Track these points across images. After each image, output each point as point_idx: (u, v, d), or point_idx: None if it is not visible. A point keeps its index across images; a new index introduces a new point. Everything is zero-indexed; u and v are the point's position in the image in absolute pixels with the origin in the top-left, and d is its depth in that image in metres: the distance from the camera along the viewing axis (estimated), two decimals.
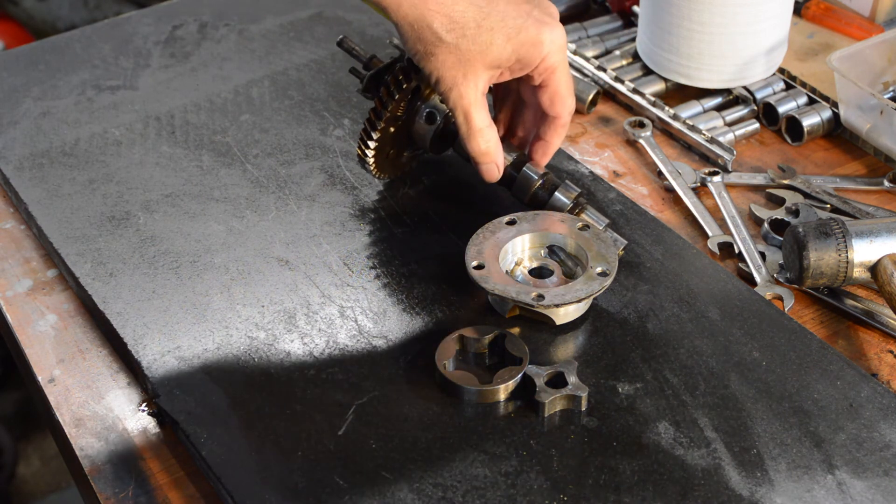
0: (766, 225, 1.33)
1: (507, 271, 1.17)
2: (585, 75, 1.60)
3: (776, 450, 1.03)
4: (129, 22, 1.71)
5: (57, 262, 1.29)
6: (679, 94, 1.58)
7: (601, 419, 1.06)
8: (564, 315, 1.15)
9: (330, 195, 1.35)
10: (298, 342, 1.15)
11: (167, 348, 1.14)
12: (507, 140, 1.28)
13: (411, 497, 0.99)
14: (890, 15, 1.64)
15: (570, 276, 1.18)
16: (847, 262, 1.18)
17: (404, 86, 1.22)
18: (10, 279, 1.30)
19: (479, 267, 1.15)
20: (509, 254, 1.19)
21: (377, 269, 1.24)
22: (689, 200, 1.38)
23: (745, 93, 1.54)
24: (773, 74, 1.56)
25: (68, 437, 1.11)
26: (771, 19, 1.49)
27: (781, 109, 1.50)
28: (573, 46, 1.63)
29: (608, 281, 1.13)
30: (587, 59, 1.60)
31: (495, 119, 1.29)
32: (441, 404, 1.07)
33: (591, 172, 1.38)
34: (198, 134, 1.46)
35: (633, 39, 1.67)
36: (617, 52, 1.65)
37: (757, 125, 1.50)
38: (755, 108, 1.53)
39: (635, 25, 1.68)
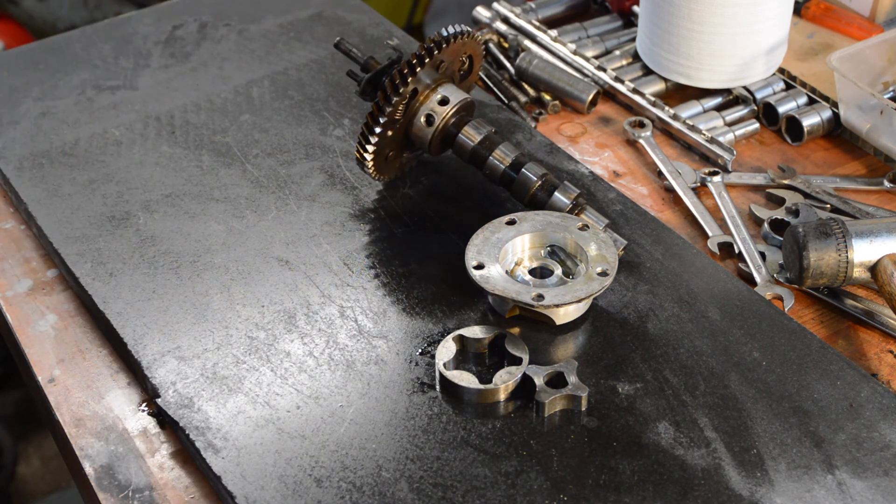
0: (766, 225, 1.33)
1: (507, 271, 1.17)
2: (585, 75, 1.60)
3: (776, 450, 1.03)
4: (129, 22, 1.71)
5: (57, 262, 1.29)
6: (679, 94, 1.58)
7: (601, 419, 1.06)
8: (564, 315, 1.15)
9: (330, 195, 1.35)
10: (298, 342, 1.15)
11: (167, 348, 1.14)
12: (506, 140, 1.28)
13: (411, 497, 0.99)
14: (890, 15, 1.64)
15: (569, 276, 1.18)
16: (847, 262, 1.18)
17: (402, 89, 1.22)
18: (10, 279, 1.30)
19: (479, 267, 1.15)
20: (509, 254, 1.19)
21: (377, 269, 1.24)
22: (689, 200, 1.38)
23: (745, 93, 1.54)
24: (773, 74, 1.56)
25: (68, 437, 1.11)
26: (771, 19, 1.49)
27: (781, 109, 1.50)
28: (573, 46, 1.63)
29: (608, 281, 1.13)
30: (587, 59, 1.60)
31: None
32: (441, 404, 1.08)
33: (591, 172, 1.38)
34: (198, 134, 1.46)
35: (633, 39, 1.67)
36: (617, 52, 1.65)
37: (757, 125, 1.50)
38: (755, 108, 1.53)
39: (635, 25, 1.68)
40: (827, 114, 1.47)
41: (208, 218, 1.32)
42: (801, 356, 1.12)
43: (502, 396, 1.08)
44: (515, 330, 1.15)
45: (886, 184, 1.40)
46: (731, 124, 1.51)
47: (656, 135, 1.51)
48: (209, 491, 1.05)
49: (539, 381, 1.07)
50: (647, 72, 1.60)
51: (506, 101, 1.56)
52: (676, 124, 1.49)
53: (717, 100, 1.56)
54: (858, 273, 1.19)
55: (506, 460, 1.02)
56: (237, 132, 1.46)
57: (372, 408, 1.07)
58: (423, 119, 1.27)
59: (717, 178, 1.40)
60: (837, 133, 1.50)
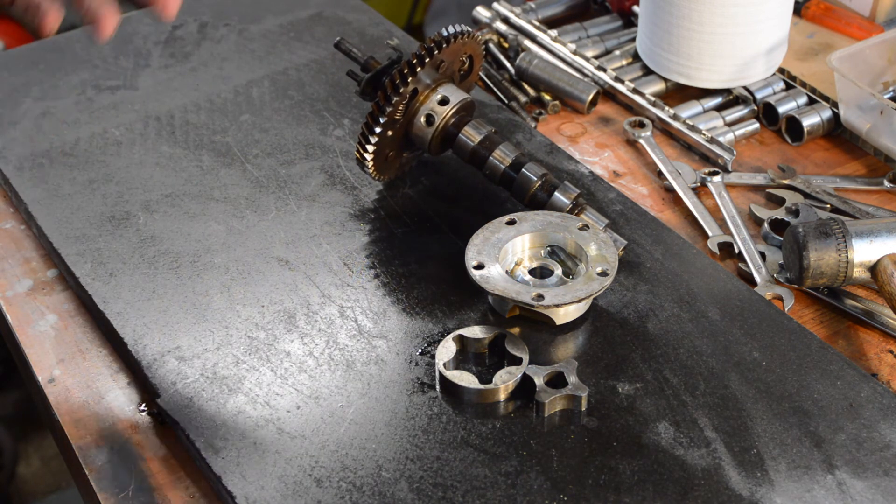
0: (766, 225, 1.33)
1: (507, 271, 1.17)
2: (585, 75, 1.60)
3: (776, 450, 1.03)
4: (129, 22, 1.71)
5: (57, 262, 1.29)
6: (679, 94, 1.58)
7: (601, 419, 1.06)
8: (564, 315, 1.15)
9: (330, 195, 1.35)
10: (298, 342, 1.15)
11: (167, 348, 1.14)
12: (506, 140, 1.29)
13: (411, 497, 0.99)
14: (890, 15, 1.64)
15: (569, 276, 1.18)
16: (847, 262, 1.18)
17: (402, 89, 1.22)
18: (10, 279, 1.30)
19: (479, 267, 1.15)
20: (509, 254, 1.19)
21: (377, 269, 1.24)
22: (689, 200, 1.38)
23: (745, 93, 1.54)
24: (773, 74, 1.56)
25: (68, 437, 1.11)
26: (771, 19, 1.49)
27: (781, 109, 1.50)
28: (573, 46, 1.63)
29: (608, 281, 1.13)
30: (587, 59, 1.60)
31: None
32: (441, 404, 1.08)
33: (591, 172, 1.38)
34: (198, 134, 1.46)
35: (633, 39, 1.67)
36: (617, 52, 1.65)
37: (757, 125, 1.50)
38: (755, 108, 1.53)
39: (635, 25, 1.68)
40: (827, 114, 1.47)
41: (208, 218, 1.32)
42: (801, 356, 1.12)
43: (502, 396, 1.08)
44: (515, 330, 1.15)
45: (886, 184, 1.40)
46: (731, 124, 1.51)
47: (656, 135, 1.51)
48: (209, 491, 1.05)
49: (539, 381, 1.07)
50: (647, 72, 1.60)
51: (506, 101, 1.56)
52: (676, 124, 1.49)
53: (717, 100, 1.56)
54: (858, 273, 1.19)
55: (506, 460, 1.02)
56: (237, 132, 1.46)
57: (372, 408, 1.07)
58: (423, 119, 1.27)
59: (717, 178, 1.40)
60: (837, 133, 1.50)
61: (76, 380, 1.16)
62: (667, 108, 1.51)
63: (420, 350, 1.14)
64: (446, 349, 1.11)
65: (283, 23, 1.70)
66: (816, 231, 1.19)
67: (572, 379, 1.07)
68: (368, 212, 1.32)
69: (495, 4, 1.74)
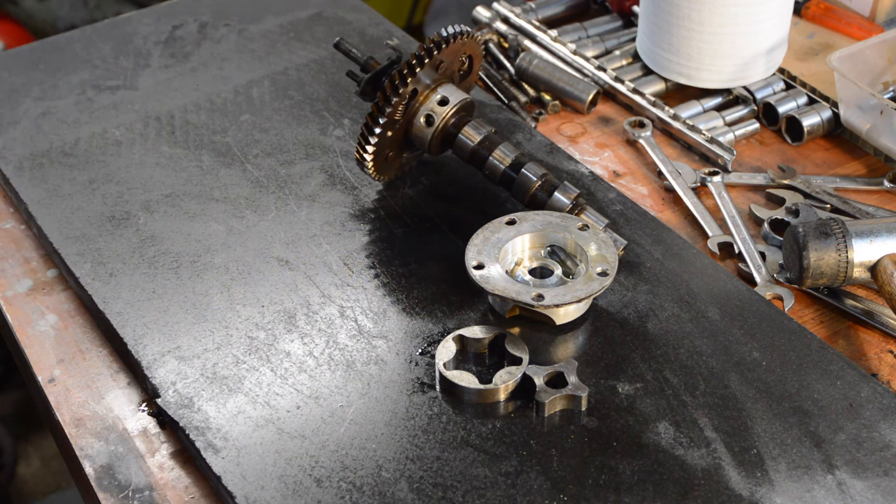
0: (766, 225, 1.33)
1: (507, 271, 1.17)
2: (585, 75, 1.60)
3: (776, 450, 1.03)
4: (129, 22, 1.71)
5: (57, 262, 1.29)
6: (679, 94, 1.58)
7: (601, 419, 1.06)
8: (564, 315, 1.15)
9: (330, 195, 1.35)
10: (298, 342, 1.15)
11: (167, 348, 1.14)
12: (506, 140, 1.29)
13: (411, 497, 0.99)
14: (890, 15, 1.64)
15: (569, 276, 1.18)
16: (847, 262, 1.18)
17: (401, 90, 1.22)
18: (10, 279, 1.30)
19: (479, 267, 1.15)
20: (509, 254, 1.19)
21: (377, 269, 1.24)
22: (689, 200, 1.38)
23: (745, 93, 1.54)
24: (773, 74, 1.56)
25: (68, 437, 1.11)
26: (771, 19, 1.49)
27: (781, 109, 1.50)
28: (573, 46, 1.63)
29: (608, 281, 1.13)
30: (587, 59, 1.60)
31: None
32: (441, 404, 1.08)
33: (591, 172, 1.38)
34: (198, 134, 1.46)
35: (633, 39, 1.67)
36: (617, 52, 1.65)
37: (757, 125, 1.50)
38: (755, 108, 1.53)
39: (635, 25, 1.68)
40: (827, 114, 1.47)
41: (208, 218, 1.32)
42: (801, 356, 1.12)
43: (502, 396, 1.08)
44: (515, 330, 1.15)
45: (886, 184, 1.40)
46: (731, 124, 1.51)
47: (656, 135, 1.51)
48: (209, 491, 1.05)
49: (539, 381, 1.07)
50: (647, 72, 1.60)
51: (506, 101, 1.56)
52: (676, 124, 1.49)
53: (717, 100, 1.56)
54: (858, 273, 1.19)
55: (506, 460, 1.02)
56: (237, 132, 1.46)
57: (372, 408, 1.07)
58: (422, 119, 1.27)
59: (717, 178, 1.40)
60: (837, 133, 1.50)
61: (76, 380, 1.16)
62: (667, 108, 1.51)
63: (420, 350, 1.14)
64: (446, 349, 1.11)
65: (283, 23, 1.70)
66: (816, 231, 1.19)
67: (572, 379, 1.07)
68: (368, 212, 1.32)
69: (495, 4, 1.74)
